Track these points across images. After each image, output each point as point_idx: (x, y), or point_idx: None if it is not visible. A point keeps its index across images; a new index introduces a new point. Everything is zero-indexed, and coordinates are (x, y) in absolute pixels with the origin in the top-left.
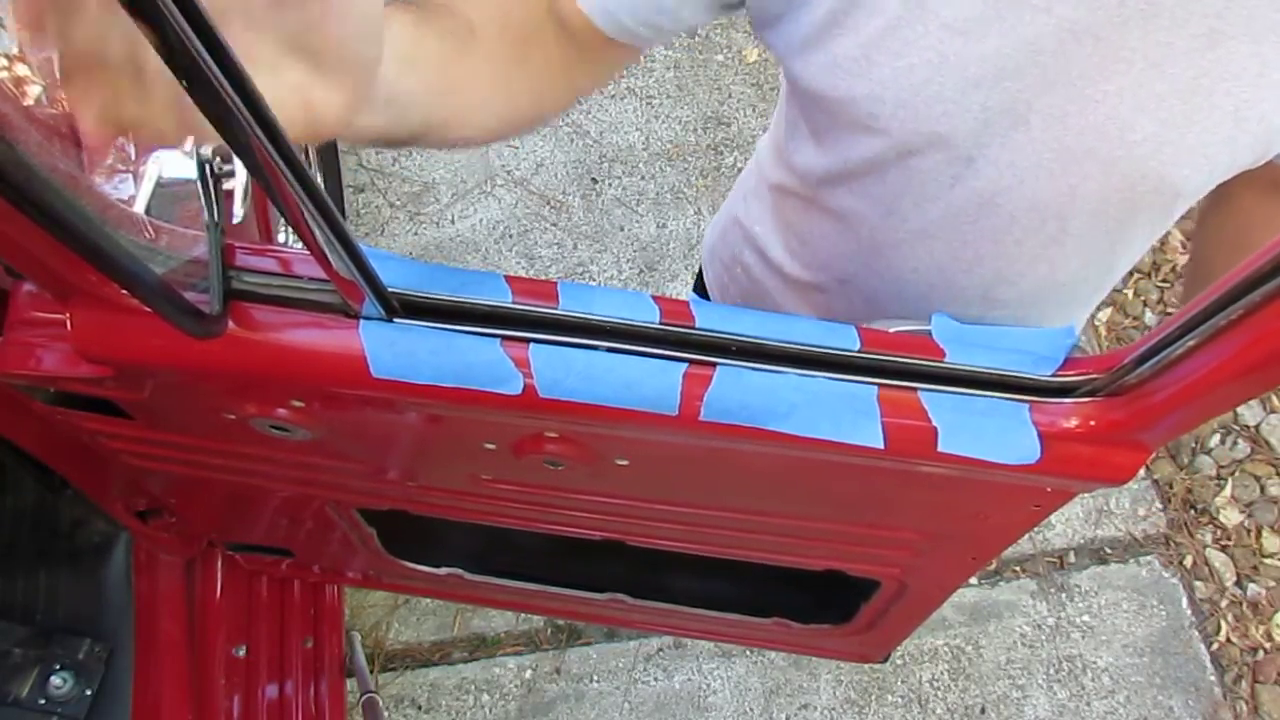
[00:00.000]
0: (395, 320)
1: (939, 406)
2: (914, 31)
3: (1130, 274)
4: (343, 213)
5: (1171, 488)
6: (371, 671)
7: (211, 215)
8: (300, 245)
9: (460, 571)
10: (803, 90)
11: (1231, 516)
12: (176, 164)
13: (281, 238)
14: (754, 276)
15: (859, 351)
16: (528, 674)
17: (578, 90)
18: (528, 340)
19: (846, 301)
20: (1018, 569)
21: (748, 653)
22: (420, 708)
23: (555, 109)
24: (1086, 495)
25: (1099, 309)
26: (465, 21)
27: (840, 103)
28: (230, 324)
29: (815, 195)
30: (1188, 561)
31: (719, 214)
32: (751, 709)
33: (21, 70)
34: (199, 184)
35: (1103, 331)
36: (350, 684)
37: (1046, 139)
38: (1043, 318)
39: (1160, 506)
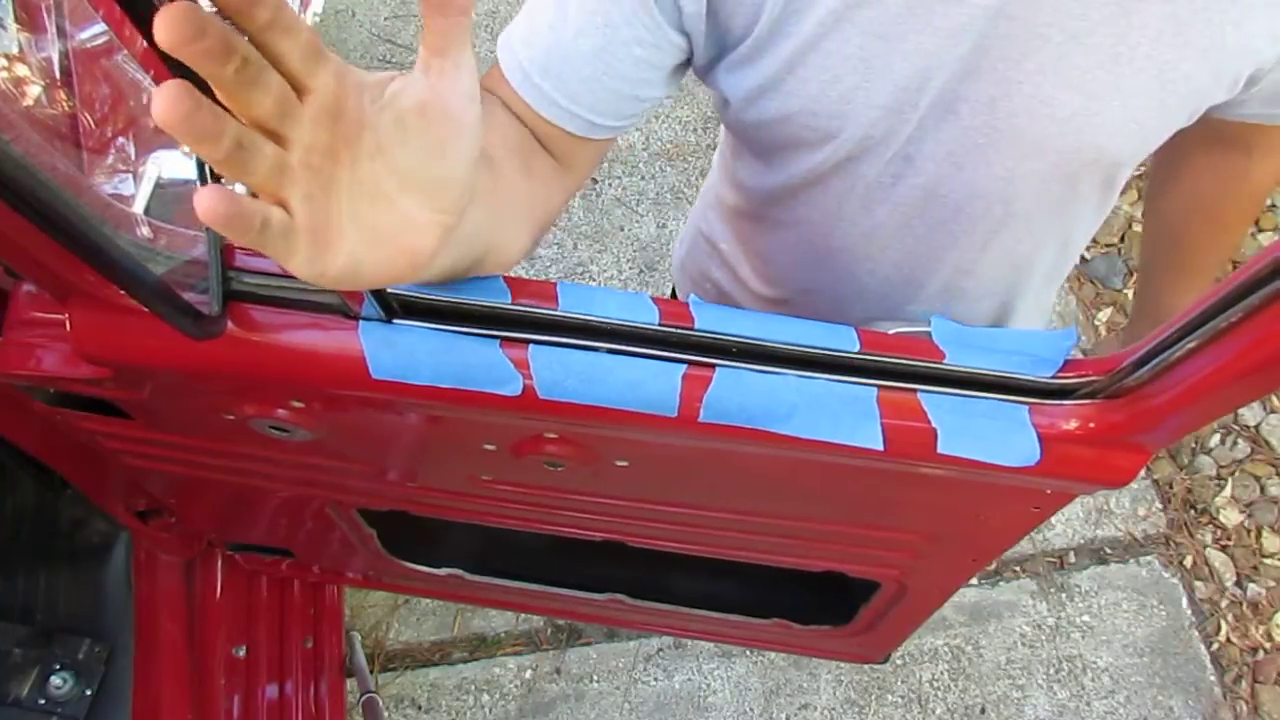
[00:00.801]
0: (394, 321)
1: (939, 408)
2: (834, 43)
3: (1129, 274)
4: None
5: (1171, 488)
6: (371, 671)
7: None
8: None
9: (460, 572)
10: (740, 118)
11: (1231, 516)
12: (176, 164)
13: None
14: (723, 291)
15: (858, 353)
16: (528, 674)
17: (574, 185)
18: (527, 341)
19: (812, 312)
20: (1018, 569)
21: (748, 653)
22: (420, 708)
23: (560, 207)
24: (1086, 496)
25: (1098, 309)
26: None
27: (775, 123)
28: (229, 325)
29: (765, 212)
30: (1188, 561)
31: (684, 229)
32: (751, 709)
33: (21, 70)
34: (198, 184)
35: (1102, 332)
36: (350, 684)
37: (978, 125)
38: (1009, 305)
39: (1160, 506)
